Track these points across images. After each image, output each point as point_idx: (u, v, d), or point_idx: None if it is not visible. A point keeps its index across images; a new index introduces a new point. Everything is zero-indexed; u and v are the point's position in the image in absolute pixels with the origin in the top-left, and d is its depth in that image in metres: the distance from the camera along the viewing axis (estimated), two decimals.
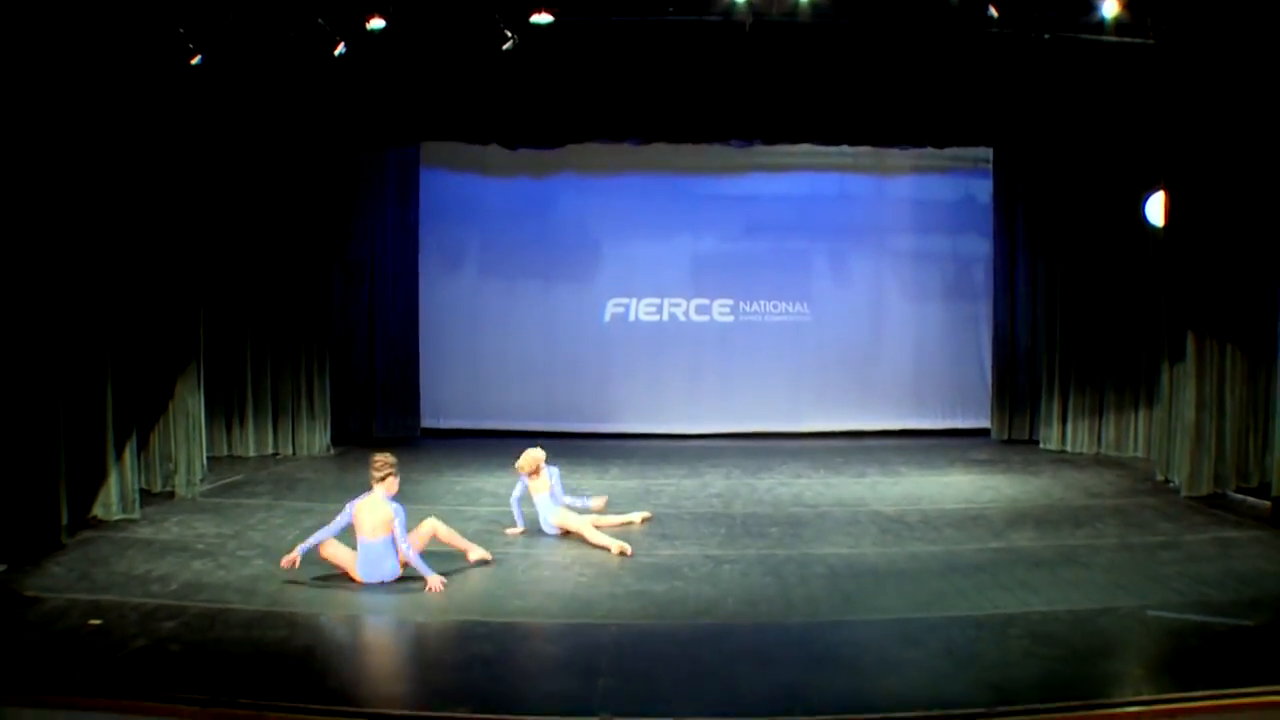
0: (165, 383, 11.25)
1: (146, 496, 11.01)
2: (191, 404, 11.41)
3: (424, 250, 15.53)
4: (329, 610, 7.72)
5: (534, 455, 9.92)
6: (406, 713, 5.96)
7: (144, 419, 10.95)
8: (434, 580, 8.15)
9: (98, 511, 9.98)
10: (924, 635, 7.24)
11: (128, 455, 10.19)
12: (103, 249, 9.97)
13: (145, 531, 9.83)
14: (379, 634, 7.25)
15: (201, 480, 11.73)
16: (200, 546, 9.36)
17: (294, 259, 14.00)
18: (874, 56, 11.81)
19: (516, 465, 9.97)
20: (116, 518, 10.06)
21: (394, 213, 15.32)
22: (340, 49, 10.99)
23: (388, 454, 8.60)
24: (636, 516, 10.40)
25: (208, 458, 12.57)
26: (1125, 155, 13.40)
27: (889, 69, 11.99)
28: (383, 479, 8.43)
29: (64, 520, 9.19)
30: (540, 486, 9.92)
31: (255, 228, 13.84)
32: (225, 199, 13.14)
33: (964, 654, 6.94)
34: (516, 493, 10.04)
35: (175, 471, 11.31)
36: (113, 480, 10.01)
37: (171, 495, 11.26)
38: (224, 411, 13.82)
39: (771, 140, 13.75)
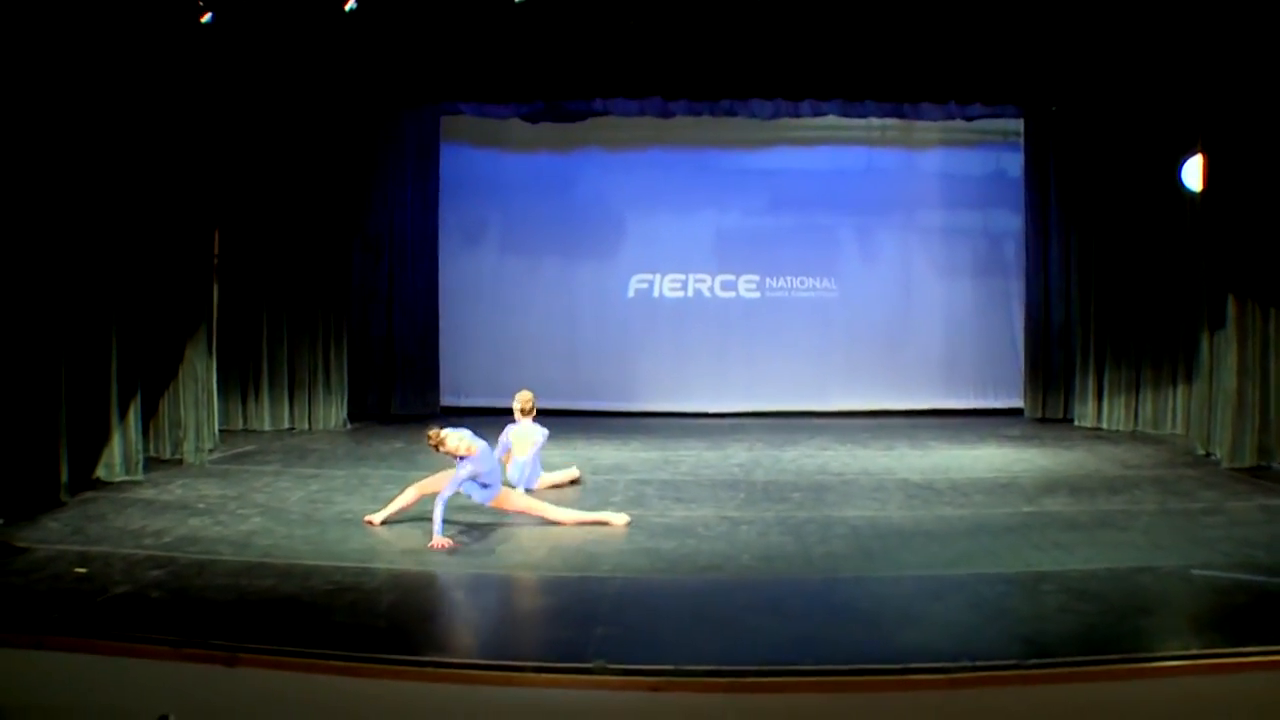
0: (174, 347, 10.89)
1: (155, 463, 10.71)
2: (201, 369, 11.04)
3: (444, 226, 15.13)
4: (326, 561, 7.30)
5: (528, 394, 9.55)
6: (381, 656, 5.50)
7: (151, 383, 10.60)
8: (440, 540, 7.74)
9: (100, 473, 9.63)
10: (949, 591, 6.75)
11: (132, 417, 9.83)
12: (110, 208, 9.61)
13: (148, 493, 9.48)
14: (371, 582, 6.80)
15: (212, 449, 11.37)
16: (201, 506, 9.02)
17: (311, 230, 13.62)
18: (901, 7, 11.22)
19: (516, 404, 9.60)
20: (120, 479, 9.71)
21: (414, 187, 14.91)
22: (351, 4, 10.58)
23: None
24: (564, 476, 9.90)
25: (220, 430, 12.25)
26: (1160, 119, 12.77)
27: (917, 22, 11.37)
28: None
29: (64, 479, 8.85)
30: (524, 442, 9.44)
31: (270, 196, 13.46)
32: (239, 164, 12.81)
33: (992, 608, 6.44)
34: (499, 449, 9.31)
35: (184, 438, 10.96)
36: (116, 441, 9.65)
37: (180, 462, 10.91)
38: (239, 385, 13.48)
39: (794, 96, 13.20)
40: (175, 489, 9.69)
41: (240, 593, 6.58)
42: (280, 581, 6.83)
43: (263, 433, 13.40)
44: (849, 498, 9.53)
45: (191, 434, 10.98)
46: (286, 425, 13.68)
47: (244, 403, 13.56)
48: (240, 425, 13.46)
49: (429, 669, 5.41)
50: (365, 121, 14.12)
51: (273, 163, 13.38)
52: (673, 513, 8.83)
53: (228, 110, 11.95)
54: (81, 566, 6.93)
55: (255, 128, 12.99)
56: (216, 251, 12.84)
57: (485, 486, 8.22)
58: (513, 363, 15.12)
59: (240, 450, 12.00)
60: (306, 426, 13.73)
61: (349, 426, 13.93)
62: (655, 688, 5.21)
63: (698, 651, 5.54)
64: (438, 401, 15.16)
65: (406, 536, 8.05)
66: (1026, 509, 9.04)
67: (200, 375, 11.05)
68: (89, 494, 9.24)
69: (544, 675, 5.31)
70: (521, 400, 9.94)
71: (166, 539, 7.85)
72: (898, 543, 7.94)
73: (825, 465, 11.24)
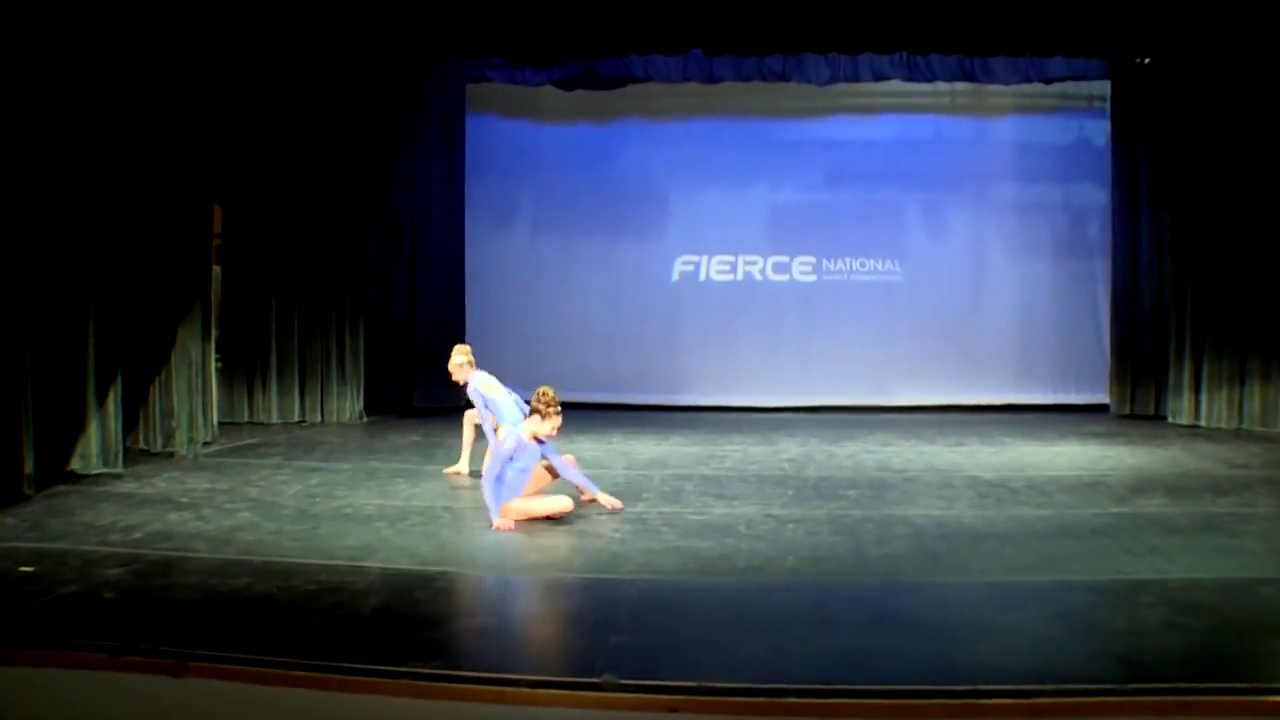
0: (164, 329, 10.42)
1: (143, 456, 10.31)
2: (196, 353, 10.56)
3: (471, 204, 14.77)
4: (312, 559, 6.72)
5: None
6: (351, 665, 4.88)
7: (138, 368, 10.16)
8: (500, 522, 7.51)
9: (76, 464, 9.16)
10: (1027, 599, 6.02)
11: (111, 404, 9.33)
12: (89, 173, 9.12)
13: (127, 486, 8.98)
14: (359, 583, 6.20)
15: (210, 441, 10.94)
16: (184, 500, 8.50)
17: (326, 208, 13.21)
18: None
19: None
20: (96, 471, 9.23)
21: (438, 162, 14.45)
22: None
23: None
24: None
25: (223, 423, 11.84)
26: (1266, 79, 11.89)
27: None
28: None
29: (28, 470, 8.33)
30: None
31: (281, 170, 13.05)
32: (244, 132, 12.40)
33: (1080, 621, 5.70)
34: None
35: (176, 429, 10.49)
36: (93, 430, 9.17)
37: (171, 455, 10.43)
38: (245, 375, 13.15)
39: (851, 49, 12.52)
40: (159, 482, 9.20)
41: (207, 593, 6.00)
42: (255, 581, 6.26)
43: (270, 425, 13.02)
44: (911, 496, 8.84)
45: (184, 424, 10.50)
46: (297, 418, 13.27)
47: (250, 394, 13.21)
48: (245, 417, 13.11)
49: (406, 681, 4.78)
50: (384, 89, 13.69)
51: (283, 133, 12.96)
52: (712, 510, 8.19)
53: (231, 74, 11.50)
54: (29, 565, 6.38)
55: (262, 94, 12.60)
56: (219, 230, 12.48)
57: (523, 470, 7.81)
58: (546, 353, 14.67)
59: (240, 443, 11.54)
60: (319, 419, 13.33)
61: (365, 419, 13.51)
62: (673, 707, 4.55)
63: (728, 666, 4.87)
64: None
65: (409, 533, 7.46)
66: (1116, 510, 8.28)
67: (195, 360, 10.56)
68: (61, 488, 8.74)
69: (540, 691, 4.66)
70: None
71: (136, 535, 7.31)
72: (967, 545, 7.22)
73: (885, 461, 10.56)
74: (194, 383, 10.58)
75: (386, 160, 14.02)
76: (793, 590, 6.18)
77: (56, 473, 8.90)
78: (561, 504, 7.77)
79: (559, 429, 7.84)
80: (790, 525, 7.71)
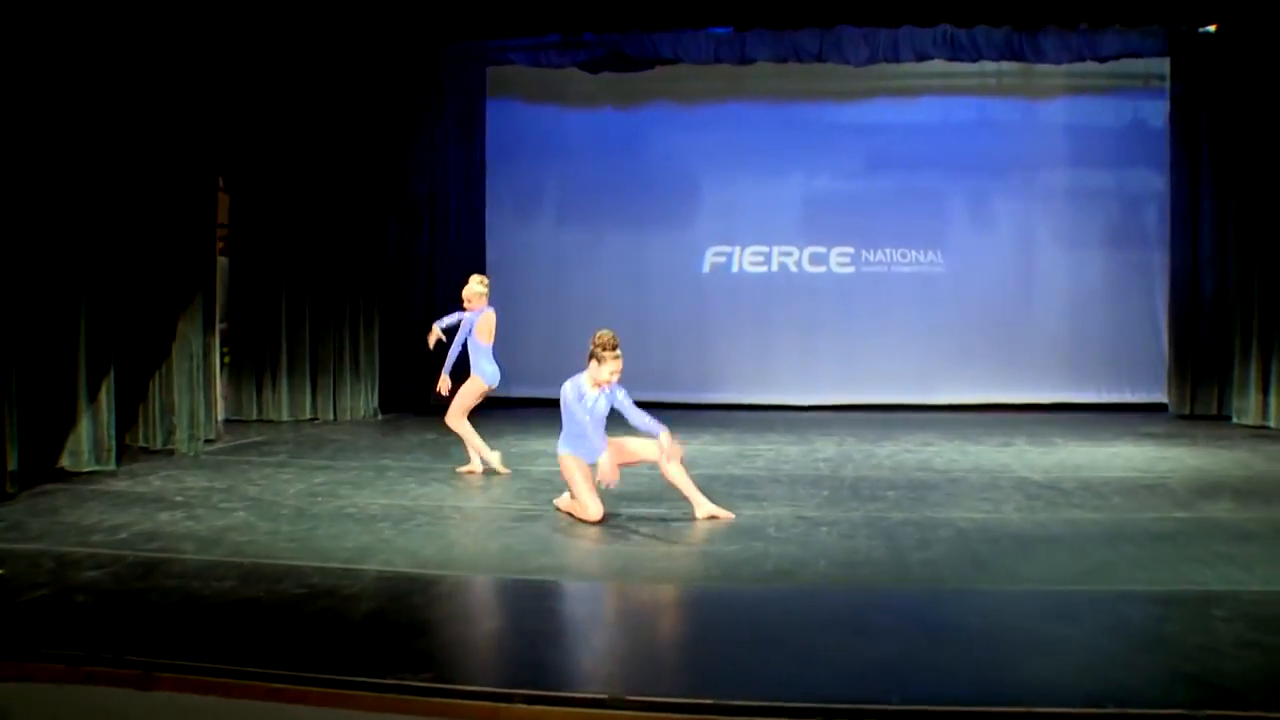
0: (164, 321, 10.16)
1: (143, 454, 10.07)
2: (197, 346, 10.29)
3: (492, 193, 14.58)
4: (307, 560, 6.37)
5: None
6: (331, 677, 4.52)
7: (135, 361, 9.92)
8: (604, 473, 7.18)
9: (65, 461, 8.91)
10: (1084, 610, 5.57)
11: (104, 398, 9.06)
12: (80, 156, 8.84)
13: (119, 484, 8.69)
14: (353, 586, 5.85)
15: (214, 439, 10.70)
16: (179, 499, 8.19)
17: (340, 197, 12.97)
18: None
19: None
20: (88, 469, 8.97)
21: (457, 149, 14.21)
22: None
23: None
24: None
25: (230, 420, 11.58)
26: None
27: None
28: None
29: (12, 466, 8.04)
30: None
31: (293, 157, 12.81)
32: (253, 115, 12.14)
33: (1144, 636, 5.25)
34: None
35: (177, 425, 10.21)
36: (84, 426, 8.90)
37: (171, 453, 10.18)
38: (254, 370, 12.90)
39: (891, 23, 12.10)
40: (154, 480, 8.91)
41: (187, 597, 5.66)
42: (241, 584, 5.92)
43: (280, 423, 12.79)
44: (955, 497, 8.41)
45: (185, 420, 10.23)
46: (308, 415, 13.03)
47: (259, 390, 12.98)
48: (254, 415, 12.89)
49: (392, 695, 4.41)
50: (401, 71, 13.43)
51: (294, 118, 12.72)
52: (740, 511, 7.78)
53: (239, 55, 11.26)
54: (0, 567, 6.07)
55: (272, 77, 12.37)
56: (225, 220, 12.25)
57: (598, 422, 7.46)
58: (570, 348, 14.01)
59: (246, 440, 11.29)
60: (331, 416, 13.10)
61: (380, 417, 13.26)
62: None
63: (749, 681, 4.47)
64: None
65: (412, 534, 7.10)
66: (1179, 514, 7.82)
67: (196, 353, 10.29)
68: (49, 486, 8.45)
69: (539, 707, 4.28)
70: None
71: (122, 535, 6.99)
72: (1016, 550, 6.78)
73: (928, 461, 10.14)
74: (195, 377, 10.30)
75: (403, 147, 13.73)
76: (824, 598, 5.77)
77: (44, 470, 8.64)
78: (658, 449, 7.39)
79: (618, 373, 7.39)
80: (824, 528, 7.30)
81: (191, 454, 10.14)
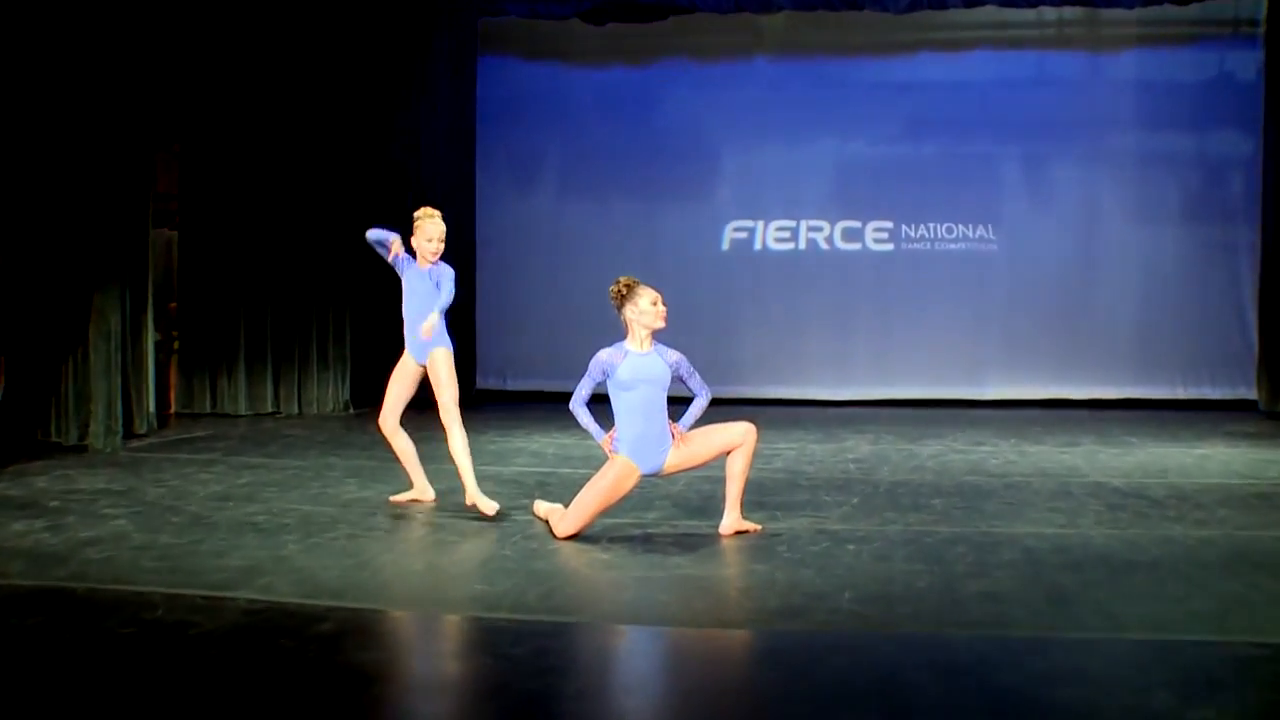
0: (79, 296, 8.84)
1: (55, 451, 8.76)
2: (114, 323, 8.97)
3: (484, 160, 13.43)
4: (164, 587, 4.88)
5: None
6: None
7: (40, 344, 8.65)
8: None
9: None
10: (1220, 670, 3.99)
11: None
12: None
13: None
14: (211, 621, 4.37)
15: (146, 431, 9.44)
16: (53, 505, 6.80)
17: (307, 163, 11.70)
18: None
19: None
20: None
21: (446, 110, 12.88)
22: None
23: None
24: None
25: (176, 411, 10.26)
26: None
27: None
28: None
29: None
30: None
31: (251, 114, 11.54)
32: (208, 68, 11.11)
33: None
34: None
35: (92, 417, 8.86)
36: None
37: (85, 449, 8.86)
38: (207, 358, 11.63)
39: None
40: (39, 482, 7.54)
41: None
42: (50, 619, 4.49)
43: (237, 417, 11.50)
44: (1018, 508, 6.84)
45: (100, 411, 8.89)
46: (270, 409, 11.78)
47: (213, 381, 11.70)
48: (208, 408, 11.63)
49: None
50: (384, 24, 12.24)
51: (259, 73, 11.53)
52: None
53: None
54: None
55: (234, 28, 11.29)
56: (171, 190, 11.13)
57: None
58: (572, 334, 12.90)
59: (185, 436, 9.97)
60: (296, 410, 11.87)
61: (352, 410, 12.01)
62: None
63: None
64: (472, 384, 13.19)
65: (321, 549, 5.62)
66: None
67: (114, 332, 8.95)
68: None
69: None
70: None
71: None
72: (1106, 578, 5.19)
73: (980, 464, 8.62)
74: (114, 360, 8.98)
75: (383, 109, 12.44)
76: (846, 646, 4.18)
77: None
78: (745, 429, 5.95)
79: (663, 314, 5.80)
80: (850, 546, 5.73)
81: (107, 450, 8.81)
